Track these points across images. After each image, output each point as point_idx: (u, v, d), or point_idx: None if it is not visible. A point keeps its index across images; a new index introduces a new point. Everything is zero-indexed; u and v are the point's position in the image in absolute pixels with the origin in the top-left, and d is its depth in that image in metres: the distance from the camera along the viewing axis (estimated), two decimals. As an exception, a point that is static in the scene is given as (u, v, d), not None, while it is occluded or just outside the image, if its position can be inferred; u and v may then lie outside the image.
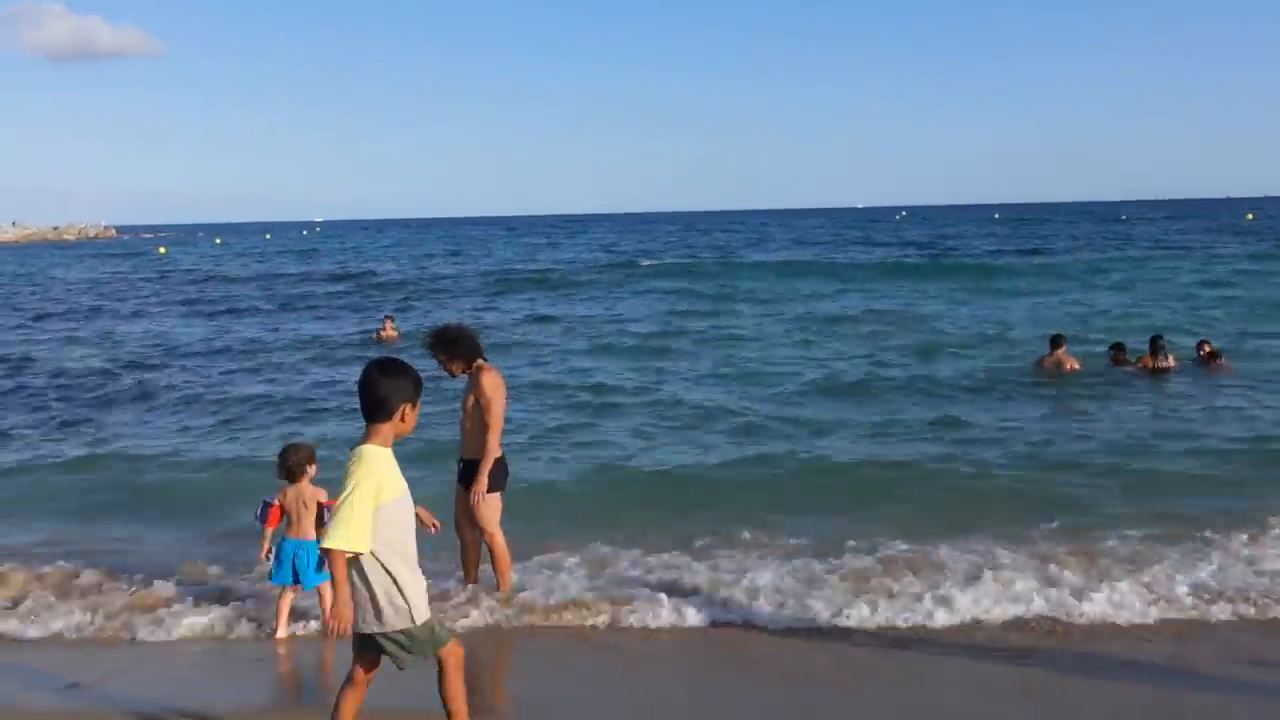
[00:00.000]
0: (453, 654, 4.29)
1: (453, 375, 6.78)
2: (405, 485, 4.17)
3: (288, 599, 6.36)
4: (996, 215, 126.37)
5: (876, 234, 72.52)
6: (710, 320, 23.28)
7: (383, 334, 20.52)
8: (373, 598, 4.07)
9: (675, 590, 6.76)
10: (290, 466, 6.38)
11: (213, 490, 9.71)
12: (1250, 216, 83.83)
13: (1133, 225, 77.97)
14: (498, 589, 6.82)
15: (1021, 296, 27.07)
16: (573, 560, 7.41)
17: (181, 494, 9.63)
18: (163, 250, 78.06)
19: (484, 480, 6.60)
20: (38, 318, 27.95)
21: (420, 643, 4.16)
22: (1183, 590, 6.51)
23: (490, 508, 6.67)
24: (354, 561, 4.05)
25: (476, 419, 6.63)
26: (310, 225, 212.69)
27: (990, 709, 5.21)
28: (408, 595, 4.11)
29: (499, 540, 6.79)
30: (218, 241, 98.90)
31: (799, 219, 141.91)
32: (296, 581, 6.33)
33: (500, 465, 6.72)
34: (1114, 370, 14.66)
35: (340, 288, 35.99)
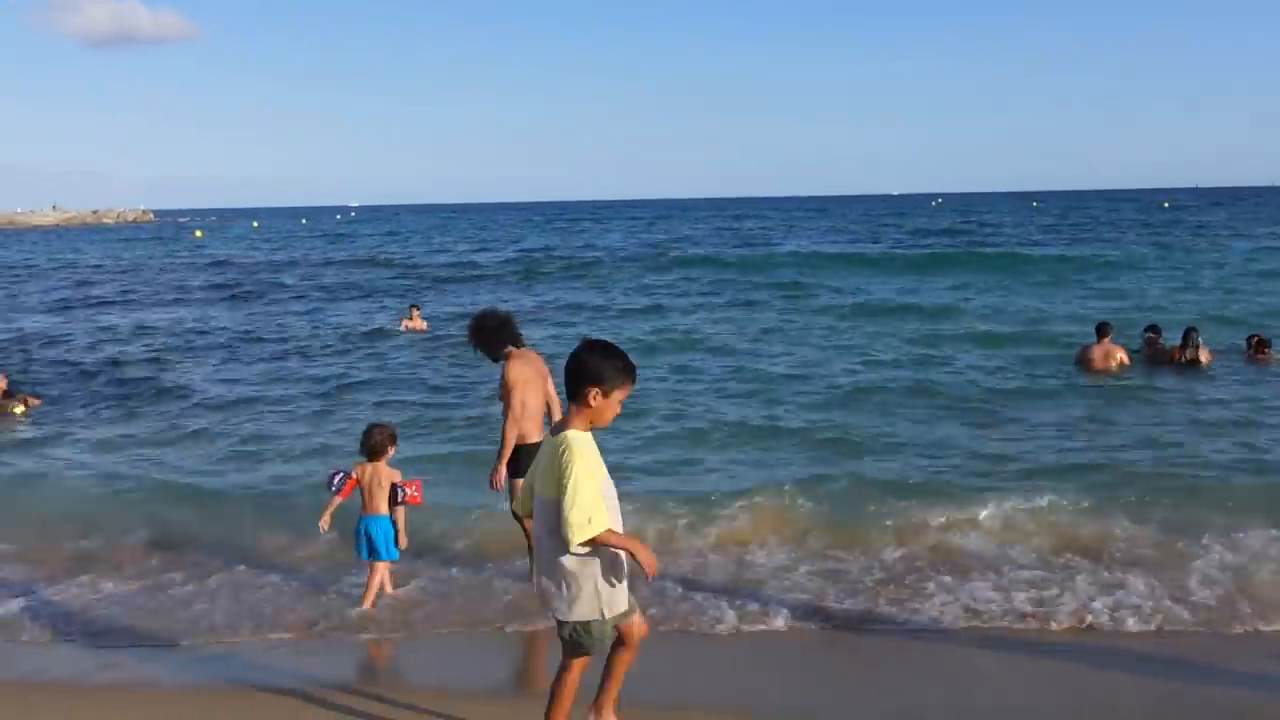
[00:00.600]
0: (585, 663, 4.22)
1: (493, 361, 6.87)
2: (606, 472, 4.06)
3: (376, 573, 6.60)
4: (1035, 203, 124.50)
5: (913, 222, 71.56)
6: (740, 312, 22.93)
7: (409, 323, 20.31)
8: (567, 585, 4.00)
9: (701, 589, 6.71)
10: (374, 445, 6.57)
11: (233, 489, 9.59)
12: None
13: (1176, 212, 76.57)
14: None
15: (1063, 286, 26.43)
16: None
17: (210, 490, 9.53)
18: (198, 234, 78.76)
19: (500, 468, 6.63)
20: (65, 305, 28.07)
21: (594, 640, 4.10)
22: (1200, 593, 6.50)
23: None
24: (564, 544, 3.91)
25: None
26: (345, 210, 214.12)
27: (1016, 704, 5.18)
28: (600, 588, 4.03)
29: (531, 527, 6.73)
30: (254, 225, 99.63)
31: (834, 206, 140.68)
32: (371, 554, 6.53)
33: (533, 451, 6.64)
34: (1147, 363, 14.36)
35: (369, 275, 35.93)
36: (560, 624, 4.13)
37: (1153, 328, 15.17)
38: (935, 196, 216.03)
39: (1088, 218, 70.39)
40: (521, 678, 5.95)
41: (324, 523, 6.51)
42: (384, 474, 6.57)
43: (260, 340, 19.90)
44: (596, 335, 19.24)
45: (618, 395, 4.01)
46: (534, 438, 6.69)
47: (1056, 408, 12.11)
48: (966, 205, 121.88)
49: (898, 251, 40.01)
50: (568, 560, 3.97)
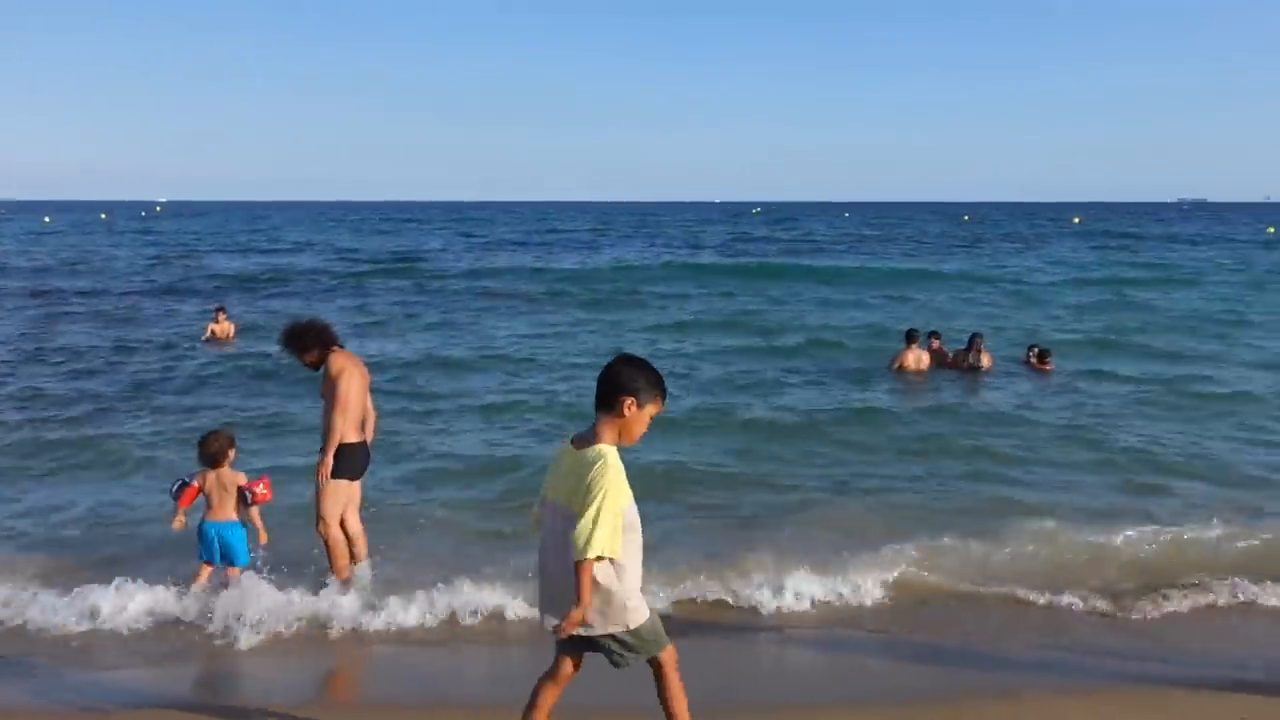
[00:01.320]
0: (670, 655, 4.13)
1: (312, 368, 6.76)
2: (630, 494, 4.01)
3: (205, 573, 6.63)
4: (846, 214, 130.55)
5: (733, 229, 73.54)
6: (558, 328, 22.72)
7: (215, 327, 19.30)
8: (600, 596, 3.91)
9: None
10: (213, 452, 6.63)
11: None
12: (1077, 220, 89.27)
13: (976, 227, 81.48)
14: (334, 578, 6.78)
15: (870, 293, 27.79)
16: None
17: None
18: (-20, 228, 72.84)
19: (327, 460, 6.56)
20: None
21: (645, 643, 4.05)
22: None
23: (324, 494, 6.61)
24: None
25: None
26: (151, 205, 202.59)
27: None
28: (629, 595, 3.96)
29: (331, 530, 6.69)
30: (46, 220, 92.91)
31: (660, 211, 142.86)
32: (225, 560, 6.63)
33: (355, 454, 6.67)
34: (936, 367, 15.59)
35: (173, 276, 33.97)
36: (590, 639, 4.02)
37: (932, 333, 16.33)
38: (755, 205, 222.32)
39: (894, 231, 74.20)
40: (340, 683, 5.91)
41: (177, 524, 6.64)
42: (228, 479, 6.62)
43: (43, 353, 18.15)
44: (412, 347, 18.68)
45: (650, 409, 3.95)
46: (352, 437, 6.62)
47: (866, 423, 12.29)
48: (784, 214, 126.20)
49: (717, 260, 41.07)
50: (599, 572, 3.85)
